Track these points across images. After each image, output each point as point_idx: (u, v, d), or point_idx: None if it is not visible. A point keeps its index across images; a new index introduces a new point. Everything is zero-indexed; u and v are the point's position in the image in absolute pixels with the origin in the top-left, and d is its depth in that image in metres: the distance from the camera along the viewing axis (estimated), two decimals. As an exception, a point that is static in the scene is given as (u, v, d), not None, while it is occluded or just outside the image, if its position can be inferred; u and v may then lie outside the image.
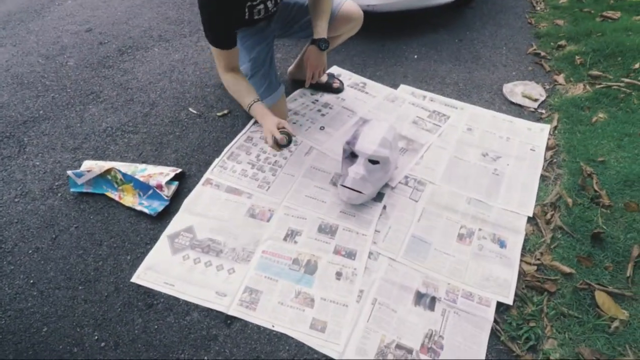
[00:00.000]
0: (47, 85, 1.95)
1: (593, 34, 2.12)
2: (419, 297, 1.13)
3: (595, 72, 1.88)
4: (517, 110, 1.78)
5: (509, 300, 1.11)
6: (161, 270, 1.19)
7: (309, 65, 1.48)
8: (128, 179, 1.37)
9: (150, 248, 1.25)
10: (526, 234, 1.28)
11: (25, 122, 1.73)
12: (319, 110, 1.77)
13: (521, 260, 1.20)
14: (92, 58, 2.13)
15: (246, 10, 1.31)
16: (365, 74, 1.99)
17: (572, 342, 1.02)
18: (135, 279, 1.17)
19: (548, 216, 1.31)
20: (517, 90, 1.88)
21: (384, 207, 1.37)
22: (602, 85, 1.80)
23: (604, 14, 2.28)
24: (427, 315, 1.09)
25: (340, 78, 1.92)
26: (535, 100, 1.82)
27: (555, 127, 1.66)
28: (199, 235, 1.28)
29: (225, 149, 1.57)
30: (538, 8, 2.54)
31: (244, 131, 1.65)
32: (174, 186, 1.40)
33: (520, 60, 2.09)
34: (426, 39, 2.25)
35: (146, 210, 1.33)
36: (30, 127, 1.70)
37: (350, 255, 1.24)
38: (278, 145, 1.29)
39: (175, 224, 1.32)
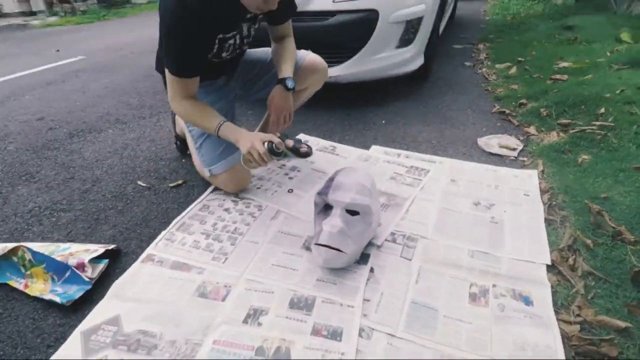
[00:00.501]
0: (-26, 170, 1.70)
1: (549, 92, 2.20)
2: (437, 386, 0.80)
3: (564, 121, 1.86)
4: (497, 160, 1.68)
5: (560, 376, 0.80)
6: (61, 384, 0.82)
7: (274, 108, 1.33)
8: (39, 259, 1.05)
9: (53, 352, 0.88)
10: (552, 286, 1.02)
11: None
12: (287, 174, 1.59)
13: (557, 320, 0.92)
14: (36, 142, 1.95)
15: (217, 42, 1.21)
16: (334, 139, 1.89)
17: None
18: (17, 403, 0.78)
19: (570, 261, 1.08)
20: (493, 142, 1.80)
21: (372, 270, 1.09)
22: (575, 130, 1.76)
23: (553, 77, 2.42)
24: (453, 414, 0.75)
25: (308, 143, 1.80)
26: (514, 149, 1.73)
27: (543, 172, 1.54)
28: (126, 327, 0.94)
29: (175, 220, 1.31)
30: (490, 79, 2.69)
31: (200, 199, 1.42)
32: (101, 265, 1.09)
33: (488, 119, 2.08)
34: (392, 107, 2.26)
35: (57, 299, 0.99)
36: None
37: (335, 335, 0.91)
38: (268, 155, 1.16)
39: (96, 315, 0.97)
